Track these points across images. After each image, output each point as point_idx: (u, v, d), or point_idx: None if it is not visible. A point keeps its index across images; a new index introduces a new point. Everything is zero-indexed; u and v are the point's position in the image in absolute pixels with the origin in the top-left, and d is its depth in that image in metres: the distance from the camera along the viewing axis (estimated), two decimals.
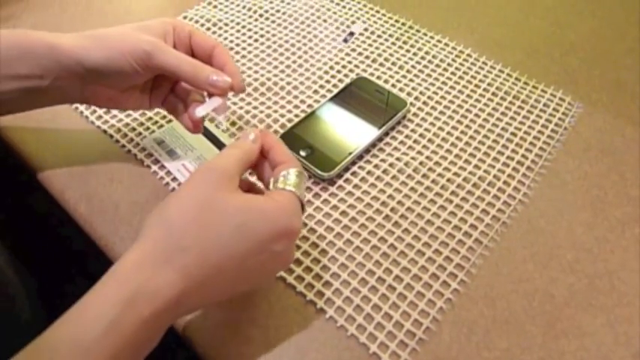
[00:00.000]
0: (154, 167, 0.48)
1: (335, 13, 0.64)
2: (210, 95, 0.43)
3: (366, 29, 0.62)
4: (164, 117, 0.52)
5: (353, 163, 0.49)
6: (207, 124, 0.51)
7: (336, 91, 0.54)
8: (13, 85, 0.41)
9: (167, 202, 0.33)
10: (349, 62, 0.58)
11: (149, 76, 0.43)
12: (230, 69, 0.43)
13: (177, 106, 0.45)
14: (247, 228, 0.32)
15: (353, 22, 0.56)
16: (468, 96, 0.55)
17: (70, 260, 0.57)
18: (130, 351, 0.29)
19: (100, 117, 0.52)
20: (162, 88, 0.46)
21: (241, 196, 0.34)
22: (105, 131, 0.51)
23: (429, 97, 0.55)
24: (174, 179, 0.47)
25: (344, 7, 0.65)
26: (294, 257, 0.39)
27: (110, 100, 0.45)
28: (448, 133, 0.52)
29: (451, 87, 0.56)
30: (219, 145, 0.49)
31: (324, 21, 0.63)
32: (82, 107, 0.52)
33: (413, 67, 0.58)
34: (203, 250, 0.31)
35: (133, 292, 0.29)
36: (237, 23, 0.62)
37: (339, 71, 0.57)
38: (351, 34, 0.51)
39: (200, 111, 0.43)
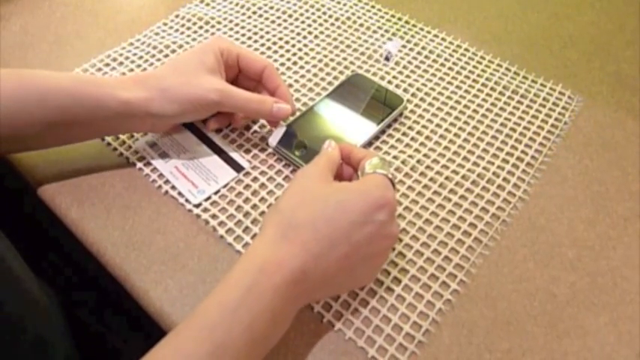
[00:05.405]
0: (147, 170, 0.47)
1: (330, 9, 0.63)
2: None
3: (362, 24, 0.61)
4: None
5: None
6: (200, 126, 0.50)
7: (331, 88, 0.53)
8: (90, 130, 0.45)
9: (276, 202, 0.39)
10: (344, 59, 0.57)
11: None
12: (282, 92, 0.47)
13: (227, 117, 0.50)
14: (347, 203, 0.36)
15: (390, 39, 0.55)
16: (466, 91, 0.54)
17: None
18: (269, 315, 0.32)
19: None
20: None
21: (337, 183, 0.39)
22: None
23: (426, 94, 0.54)
24: (167, 182, 0.46)
25: (338, 2, 0.64)
26: (399, 230, 0.41)
27: (174, 128, 0.49)
28: (446, 129, 0.51)
29: (449, 82, 0.55)
30: (213, 146, 0.49)
31: (319, 17, 0.62)
32: None
33: (409, 62, 0.57)
34: (313, 224, 0.35)
35: (262, 263, 0.33)
36: (230, 21, 0.61)
37: (334, 68, 0.56)
38: (389, 55, 0.53)
39: (273, 141, 0.48)
